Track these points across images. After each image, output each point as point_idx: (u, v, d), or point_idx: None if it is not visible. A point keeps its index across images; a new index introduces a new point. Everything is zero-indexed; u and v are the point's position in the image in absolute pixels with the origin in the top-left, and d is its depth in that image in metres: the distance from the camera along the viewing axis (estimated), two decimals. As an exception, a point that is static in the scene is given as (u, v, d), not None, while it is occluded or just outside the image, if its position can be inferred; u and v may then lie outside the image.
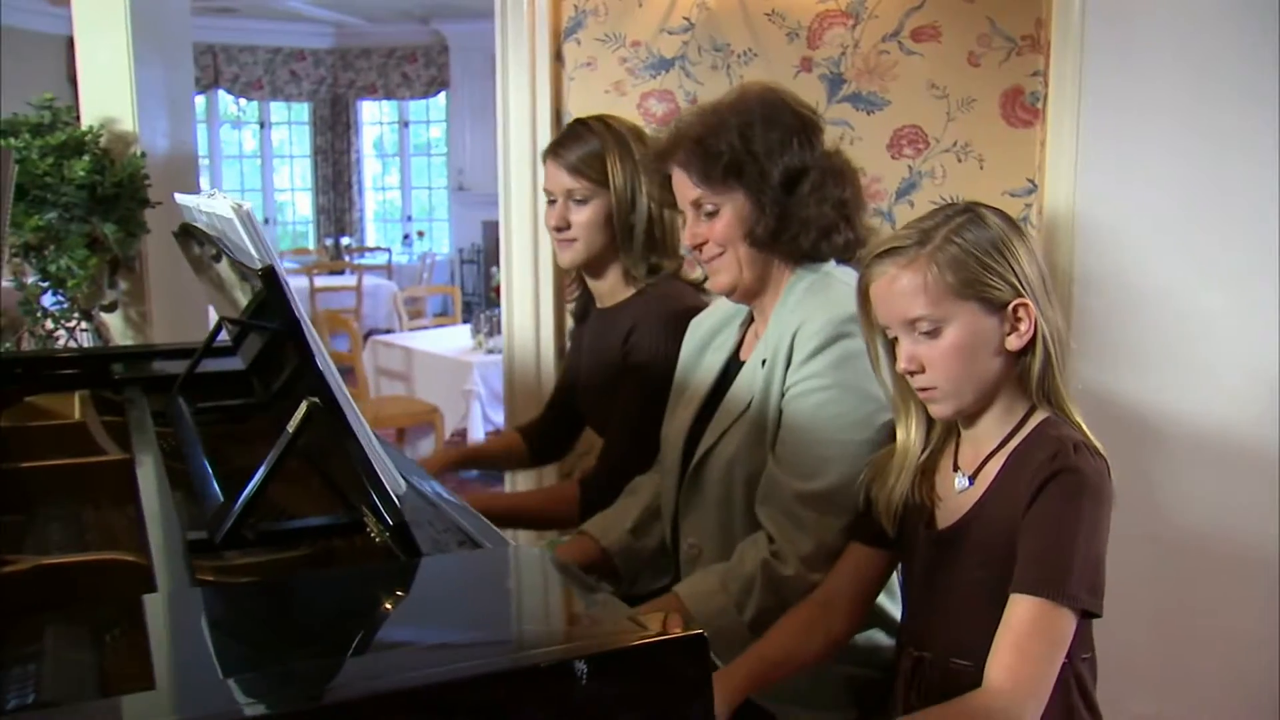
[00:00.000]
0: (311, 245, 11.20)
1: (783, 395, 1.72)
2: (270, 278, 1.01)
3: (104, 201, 3.04)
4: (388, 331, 7.77)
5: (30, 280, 3.06)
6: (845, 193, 1.76)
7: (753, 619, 1.64)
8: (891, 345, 1.51)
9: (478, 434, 5.43)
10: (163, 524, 1.18)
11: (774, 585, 1.64)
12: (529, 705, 0.76)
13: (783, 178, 1.72)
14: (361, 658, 0.76)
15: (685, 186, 1.79)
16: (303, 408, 1.13)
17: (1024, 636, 1.35)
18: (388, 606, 0.90)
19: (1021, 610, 1.36)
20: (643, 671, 0.80)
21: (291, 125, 11.41)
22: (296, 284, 8.89)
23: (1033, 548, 1.38)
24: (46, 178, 2.93)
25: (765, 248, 1.76)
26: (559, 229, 2.17)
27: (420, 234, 11.38)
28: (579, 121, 2.23)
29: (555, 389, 2.45)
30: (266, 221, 11.24)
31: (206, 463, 1.33)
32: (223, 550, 1.16)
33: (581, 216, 2.14)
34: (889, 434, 1.62)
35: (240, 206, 1.14)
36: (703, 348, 1.98)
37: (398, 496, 1.24)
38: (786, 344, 1.72)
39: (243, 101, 11.05)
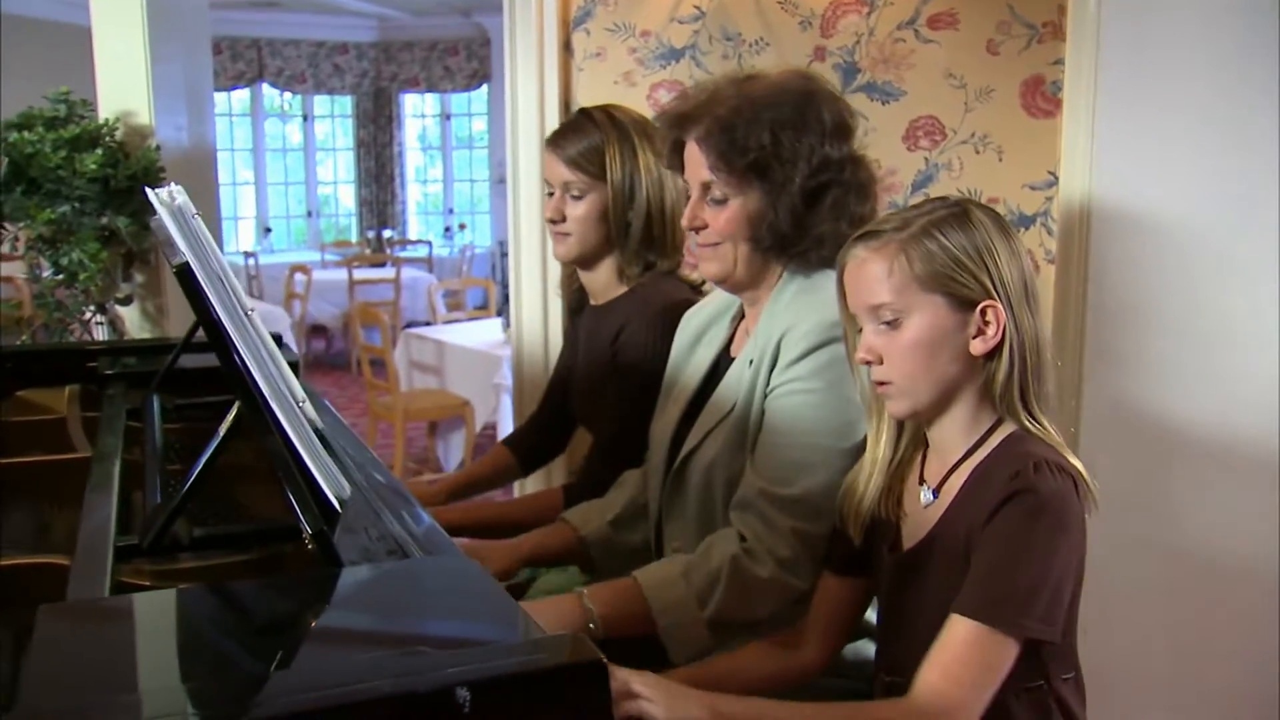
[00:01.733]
0: (354, 238, 11.26)
1: (765, 397, 1.65)
2: (183, 275, 0.97)
3: (117, 195, 3.04)
4: (426, 324, 7.77)
5: (45, 274, 3.07)
6: (865, 208, 1.68)
7: (713, 616, 1.57)
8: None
9: (508, 427, 5.41)
10: (94, 527, 1.15)
11: (742, 584, 1.58)
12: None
13: (806, 189, 1.64)
14: (209, 681, 0.72)
15: (698, 165, 1.70)
16: (234, 410, 1.09)
17: (956, 660, 1.29)
18: (269, 623, 0.86)
19: (959, 632, 1.29)
20: (534, 700, 0.75)
21: (335, 118, 11.49)
22: (336, 277, 8.94)
23: (980, 569, 1.31)
24: (59, 171, 2.93)
25: (769, 253, 1.70)
26: (554, 221, 2.12)
27: (462, 226, 11.41)
28: (582, 112, 2.18)
29: (547, 389, 2.41)
30: (310, 214, 11.33)
31: (158, 464, 1.29)
32: (155, 555, 1.13)
33: (577, 210, 2.09)
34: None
35: (172, 199, 1.11)
36: (694, 343, 1.92)
37: (340, 501, 1.21)
38: (774, 345, 1.66)
39: (287, 95, 11.13)
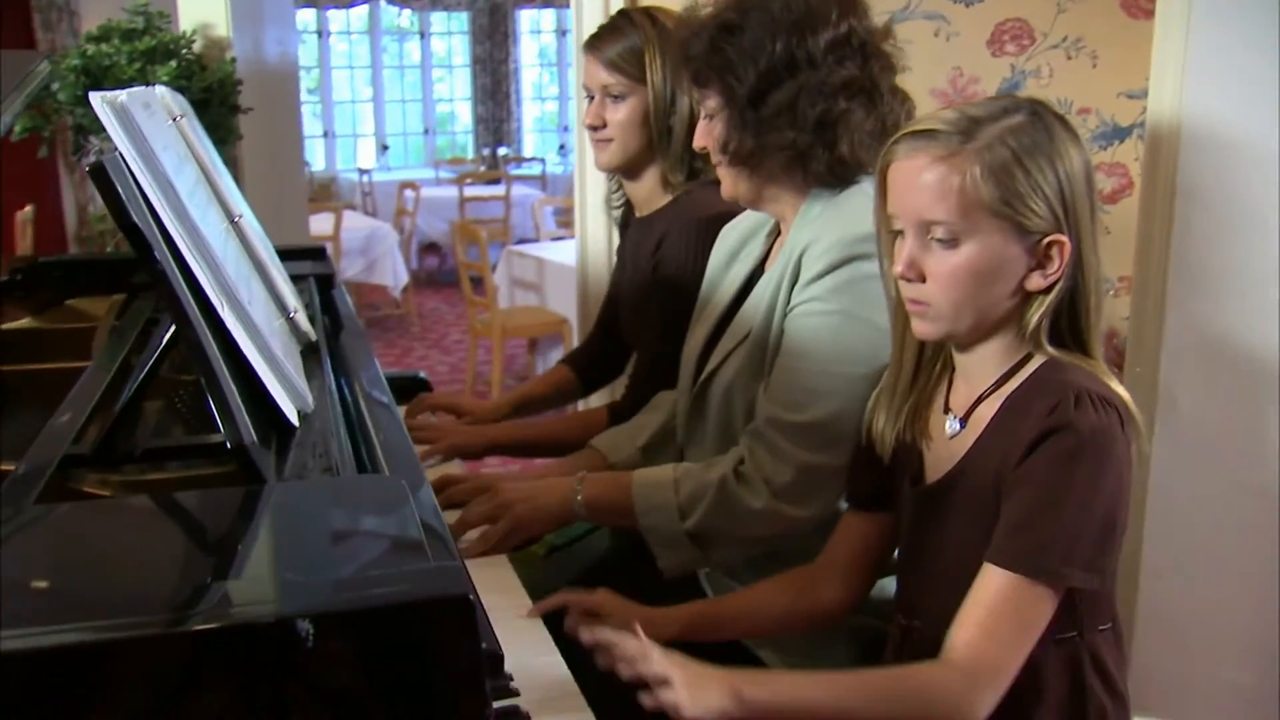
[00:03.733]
0: (470, 155, 11.30)
1: (785, 317, 1.55)
2: (97, 175, 0.93)
3: (193, 108, 3.05)
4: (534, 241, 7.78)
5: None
6: (833, 110, 1.52)
7: (693, 530, 1.52)
8: (894, 238, 1.29)
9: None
10: (51, 435, 1.13)
11: (728, 507, 1.51)
12: (246, 665, 0.67)
13: (751, 94, 1.53)
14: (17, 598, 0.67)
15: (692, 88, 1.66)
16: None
17: (992, 614, 1.18)
18: (135, 544, 0.82)
19: (993, 583, 1.19)
20: (389, 634, 0.69)
21: (452, 35, 11.48)
22: (449, 194, 8.97)
23: (1014, 515, 1.19)
24: (133, 83, 2.95)
25: (745, 165, 1.59)
26: (594, 127, 2.04)
27: (577, 144, 11.34)
28: (622, 13, 2.09)
29: (601, 308, 2.34)
30: (427, 132, 11.40)
31: (142, 374, 1.26)
32: (113, 465, 1.10)
33: (618, 115, 2.00)
34: None
35: (114, 100, 1.06)
36: (730, 259, 1.82)
37: (300, 414, 1.17)
38: (795, 261, 1.55)
39: (405, 12, 11.15)
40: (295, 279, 1.91)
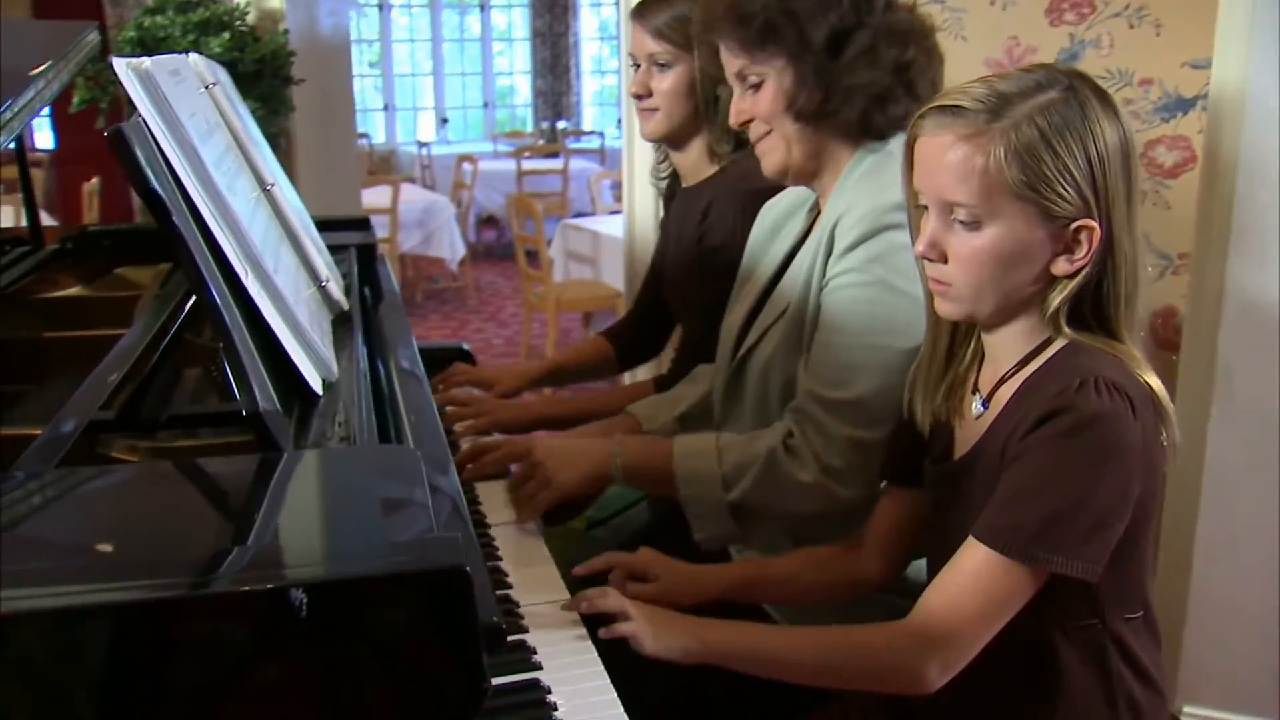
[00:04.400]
0: (529, 129, 11.30)
1: (821, 291, 1.52)
2: (115, 141, 0.92)
3: (244, 79, 3.08)
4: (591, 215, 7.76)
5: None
6: (906, 54, 1.51)
7: (737, 501, 1.50)
8: (922, 213, 1.25)
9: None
10: (79, 401, 1.14)
11: (775, 480, 1.49)
12: (239, 632, 0.66)
13: (826, 40, 1.50)
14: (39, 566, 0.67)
15: (728, 58, 1.59)
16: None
17: (961, 586, 1.16)
18: (145, 510, 0.82)
19: (970, 556, 1.16)
20: (385, 604, 0.69)
21: (511, 8, 11.47)
22: (507, 168, 8.99)
23: (1002, 491, 1.16)
24: (187, 55, 2.98)
25: (812, 122, 1.54)
26: (639, 96, 2.02)
27: (636, 118, 11.28)
28: None
29: (644, 283, 2.31)
30: (486, 105, 11.42)
31: (167, 341, 1.27)
32: (133, 432, 1.11)
33: (663, 84, 1.98)
34: None
35: (139, 66, 1.06)
36: (772, 234, 1.79)
37: (325, 383, 1.17)
38: (829, 231, 1.52)
39: (465, -16, 11.18)
40: (336, 249, 1.92)
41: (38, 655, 0.63)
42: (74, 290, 2.00)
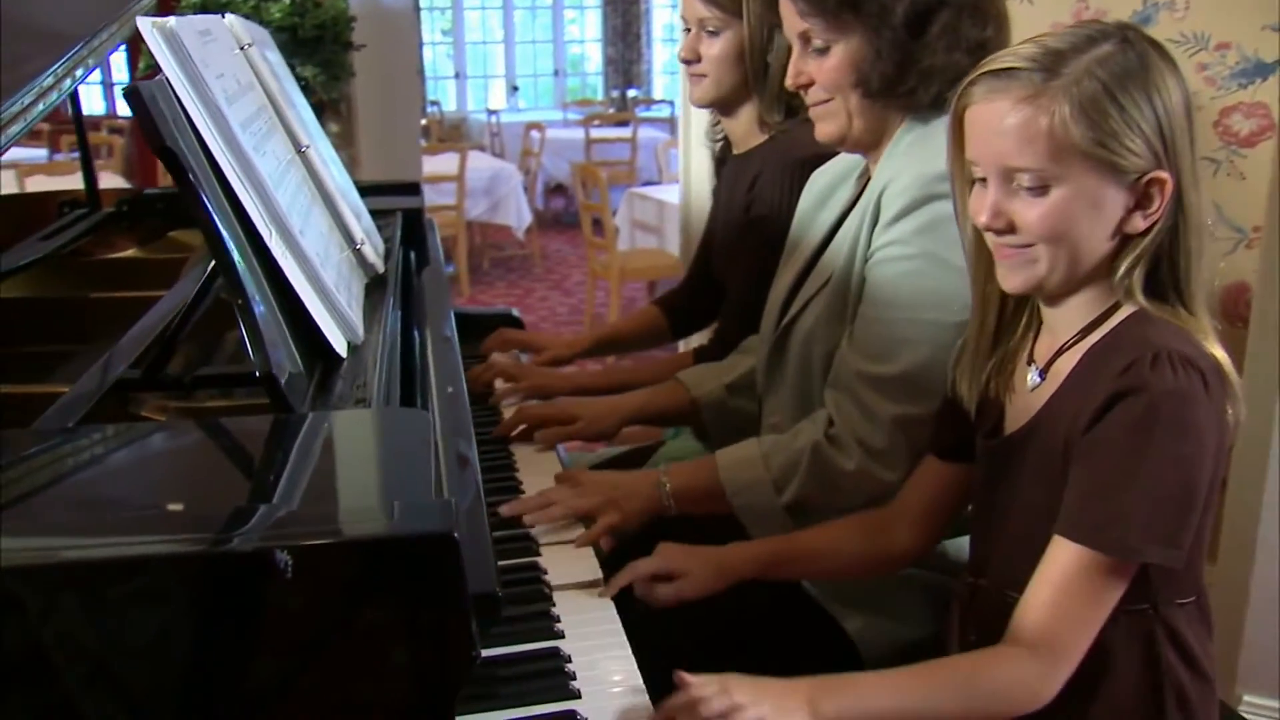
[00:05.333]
0: (599, 96, 11.27)
1: (866, 262, 1.48)
2: (130, 98, 0.92)
3: (305, 44, 3.10)
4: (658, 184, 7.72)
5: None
6: (985, 32, 1.45)
7: (790, 503, 1.47)
8: (972, 185, 1.19)
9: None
10: (109, 359, 1.15)
11: (823, 474, 1.46)
12: (224, 592, 0.66)
13: (907, 16, 1.43)
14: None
15: (791, 14, 1.53)
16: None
17: (1061, 591, 1.11)
18: (151, 468, 0.82)
19: (1062, 558, 1.11)
20: (368, 568, 0.68)
21: (583, -25, 11.44)
22: (576, 136, 8.97)
23: (1085, 483, 1.11)
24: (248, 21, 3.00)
25: (880, 97, 1.49)
26: (688, 61, 1.98)
27: (709, 86, 11.19)
28: None
29: (697, 249, 2.28)
30: (557, 73, 11.40)
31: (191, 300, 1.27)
32: (160, 390, 1.12)
33: (713, 49, 1.94)
34: None
35: (164, 25, 1.06)
36: (820, 202, 1.75)
37: (350, 345, 1.16)
38: (875, 201, 1.48)
39: (538, -49, 11.15)
40: (381, 213, 1.92)
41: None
42: (129, 252, 2.03)
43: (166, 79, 1.04)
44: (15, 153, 6.04)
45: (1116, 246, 1.14)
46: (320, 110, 3.29)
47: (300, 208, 1.24)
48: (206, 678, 0.65)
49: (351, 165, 3.43)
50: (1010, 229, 1.15)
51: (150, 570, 0.63)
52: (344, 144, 3.41)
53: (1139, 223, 1.12)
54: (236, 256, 0.97)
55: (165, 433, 0.91)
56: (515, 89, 11.13)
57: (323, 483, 0.77)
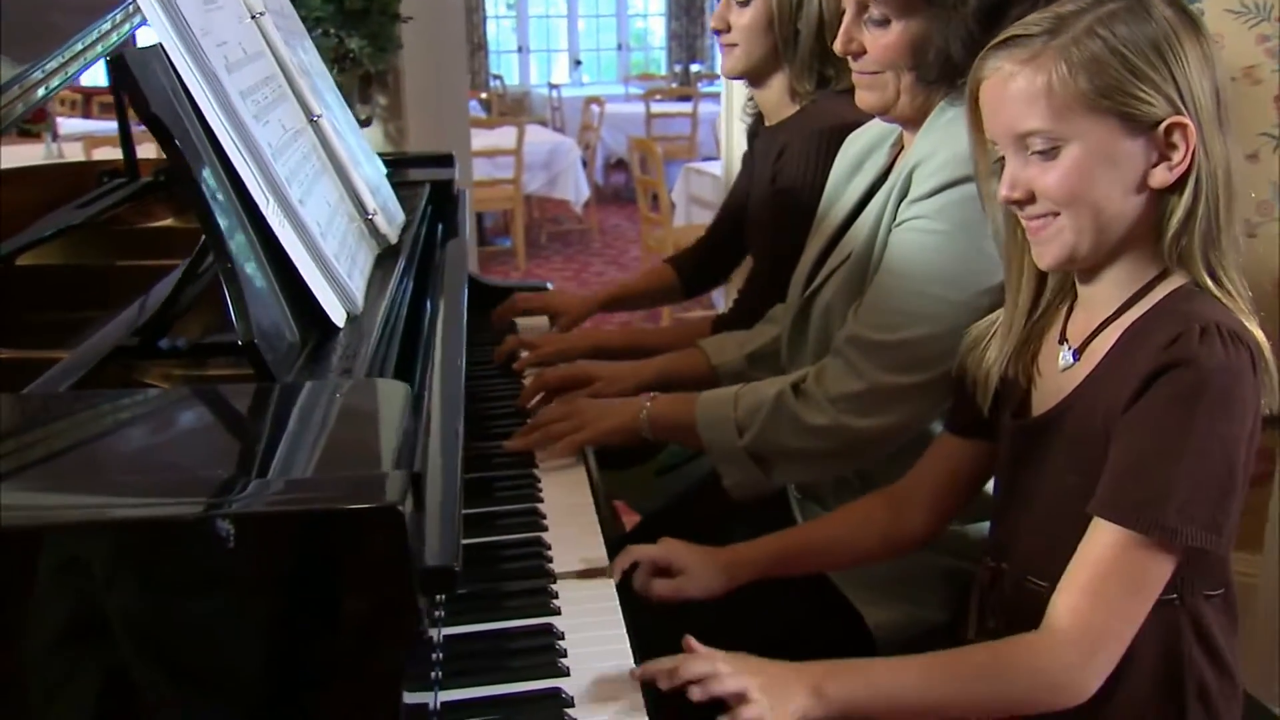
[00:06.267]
0: (662, 71, 11.20)
1: (888, 234, 1.45)
2: (114, 67, 0.92)
3: (352, 16, 3.11)
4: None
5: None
6: None
7: (749, 447, 1.47)
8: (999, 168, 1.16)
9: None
10: (113, 325, 1.15)
11: (781, 422, 1.45)
12: (166, 560, 0.66)
13: (982, 7, 1.37)
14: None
15: None
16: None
17: (1100, 574, 1.06)
18: (115, 435, 0.81)
19: (1101, 540, 1.06)
20: (313, 539, 0.67)
21: (647, -53, 11.36)
22: (636, 110, 8.93)
23: (1125, 460, 1.06)
24: (296, -8, 3.02)
25: (935, 82, 1.45)
26: (718, 31, 1.96)
27: (772, 61, 11.07)
28: None
29: (717, 215, 2.27)
30: (620, 47, 11.36)
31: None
32: (155, 357, 1.12)
33: (743, 19, 1.91)
34: (994, 302, 1.31)
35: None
36: (853, 169, 1.70)
37: (349, 316, 1.16)
38: (906, 175, 1.44)
39: (602, -77, 11.08)
40: (408, 185, 1.91)
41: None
42: (167, 221, 2.05)
43: (160, 45, 1.03)
44: (83, 125, 6.16)
45: (1148, 207, 1.10)
46: (367, 82, 3.30)
47: (305, 177, 1.24)
48: (143, 647, 0.65)
49: (399, 136, 3.44)
50: (1030, 199, 1.12)
51: (83, 535, 0.63)
52: (391, 116, 3.42)
53: (1164, 175, 1.08)
54: (224, 224, 0.97)
55: (136, 399, 0.91)
56: (578, 63, 11.11)
57: (278, 452, 0.76)
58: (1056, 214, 1.11)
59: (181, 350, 1.11)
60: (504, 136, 6.81)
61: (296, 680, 0.68)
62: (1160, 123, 1.06)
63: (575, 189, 7.29)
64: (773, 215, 1.92)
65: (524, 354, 1.95)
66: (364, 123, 3.32)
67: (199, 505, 0.67)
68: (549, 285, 2.37)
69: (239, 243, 0.99)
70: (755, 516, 1.56)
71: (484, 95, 9.53)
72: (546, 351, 1.93)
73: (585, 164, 7.76)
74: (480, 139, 6.88)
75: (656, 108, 8.79)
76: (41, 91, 1.19)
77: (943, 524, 1.38)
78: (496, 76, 10.54)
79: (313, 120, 1.38)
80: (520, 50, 10.84)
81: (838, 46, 1.53)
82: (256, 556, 0.66)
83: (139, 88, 0.93)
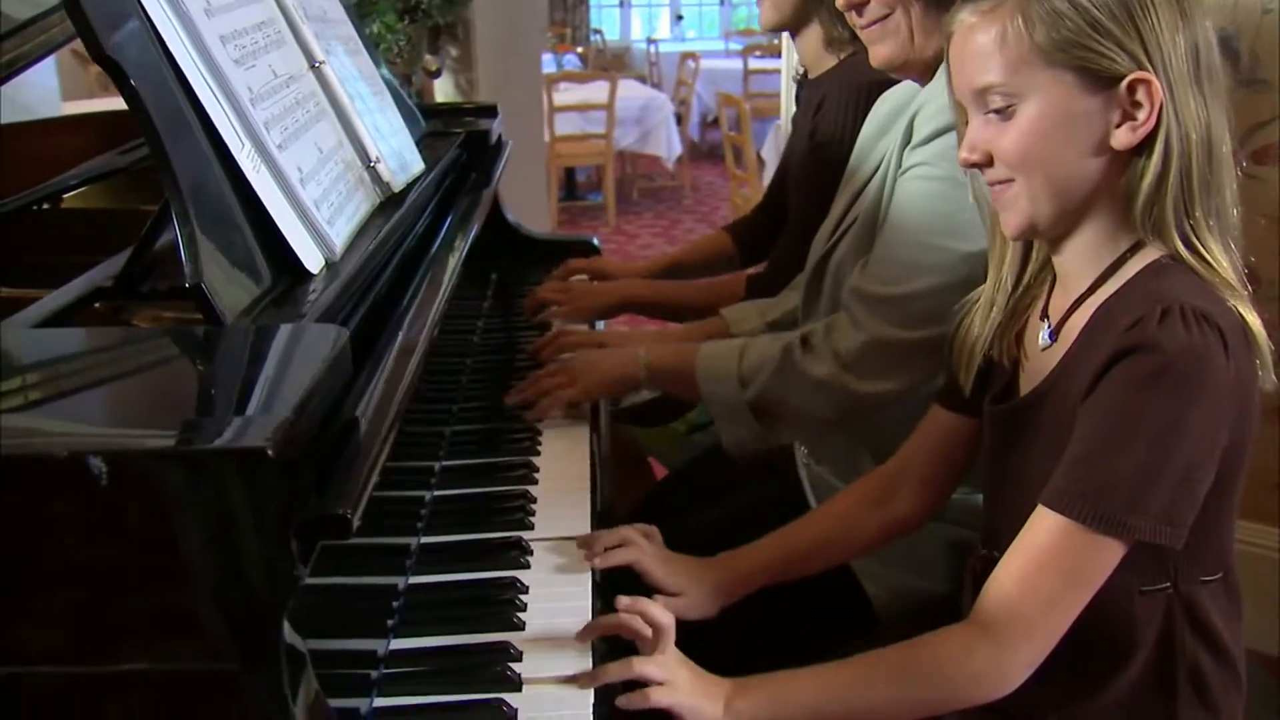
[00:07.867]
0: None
1: (894, 185, 1.40)
2: (68, 6, 0.92)
3: (419, -34, 3.11)
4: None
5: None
6: None
7: (753, 400, 1.44)
8: None
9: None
10: (100, 269, 1.17)
11: (788, 375, 1.42)
12: (35, 495, 0.67)
13: None
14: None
15: None
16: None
17: (1036, 564, 1.01)
18: (48, 371, 0.83)
19: (1042, 528, 1.01)
20: (187, 479, 0.67)
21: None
22: (735, 65, 8.81)
23: (1076, 448, 1.01)
24: (362, -58, 3.04)
25: (947, 8, 1.38)
26: None
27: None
28: None
29: (772, 178, 2.21)
30: (723, 3, 11.21)
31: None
32: (137, 299, 1.14)
33: None
34: None
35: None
36: (881, 131, 1.64)
37: (328, 262, 1.16)
38: (908, 120, 1.39)
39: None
40: (440, 135, 1.91)
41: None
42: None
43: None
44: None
45: (1111, 170, 1.03)
46: (436, 34, 3.31)
47: (293, 123, 1.24)
48: (22, 586, 0.66)
49: (470, 88, 3.44)
50: (989, 161, 1.07)
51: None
52: (463, 68, 3.42)
53: (1129, 136, 1.01)
54: (179, 167, 0.97)
55: (75, 338, 0.93)
56: (680, 18, 11.00)
57: (183, 393, 0.77)
58: (1012, 180, 1.06)
59: (161, 293, 1.12)
60: (597, 91, 6.78)
61: (175, 620, 0.69)
62: (1122, 79, 1.00)
63: (667, 145, 7.24)
64: (808, 173, 1.88)
65: (553, 308, 1.94)
66: (434, 74, 3.34)
67: (63, 441, 0.67)
68: (594, 240, 2.34)
69: (196, 185, 0.99)
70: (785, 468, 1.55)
71: (580, 49, 9.51)
72: (564, 312, 1.91)
73: (680, 120, 7.69)
74: (573, 93, 6.87)
75: (755, 64, 8.65)
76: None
77: (939, 500, 1.32)
78: (597, 31, 10.51)
79: (314, 66, 1.38)
80: (621, 4, 10.78)
81: (840, 1, 1.47)
82: (133, 495, 0.67)
83: (91, 29, 0.94)
